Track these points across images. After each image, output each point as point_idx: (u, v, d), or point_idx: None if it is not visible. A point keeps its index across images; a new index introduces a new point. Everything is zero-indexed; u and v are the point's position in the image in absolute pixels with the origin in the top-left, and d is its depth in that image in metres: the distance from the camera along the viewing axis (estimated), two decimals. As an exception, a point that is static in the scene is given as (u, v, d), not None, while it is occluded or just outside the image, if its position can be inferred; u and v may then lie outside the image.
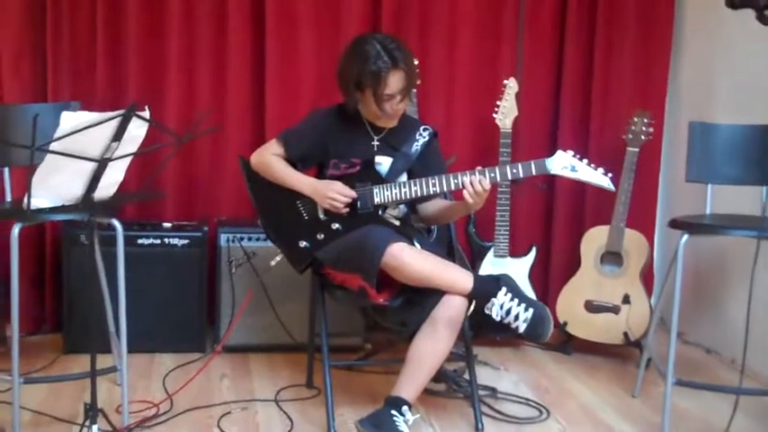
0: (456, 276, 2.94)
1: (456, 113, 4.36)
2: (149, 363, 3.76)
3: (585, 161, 3.05)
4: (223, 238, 3.89)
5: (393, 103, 3.09)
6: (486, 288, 2.93)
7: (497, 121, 4.00)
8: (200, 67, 4.18)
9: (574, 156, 3.05)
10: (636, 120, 4.03)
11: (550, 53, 4.45)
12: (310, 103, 3.97)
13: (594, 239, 4.10)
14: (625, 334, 3.96)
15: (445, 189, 3.08)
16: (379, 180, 3.14)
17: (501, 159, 3.97)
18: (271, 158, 3.21)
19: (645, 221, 4.35)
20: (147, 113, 2.29)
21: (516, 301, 2.89)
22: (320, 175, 3.25)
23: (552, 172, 3.03)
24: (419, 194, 3.10)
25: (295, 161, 3.22)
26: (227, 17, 4.14)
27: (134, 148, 2.37)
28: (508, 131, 3.99)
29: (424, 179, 3.09)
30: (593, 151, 4.30)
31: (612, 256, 4.06)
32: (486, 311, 2.93)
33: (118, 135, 2.27)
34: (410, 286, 2.94)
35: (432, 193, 3.09)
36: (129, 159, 2.42)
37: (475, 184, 2.97)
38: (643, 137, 4.01)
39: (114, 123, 2.23)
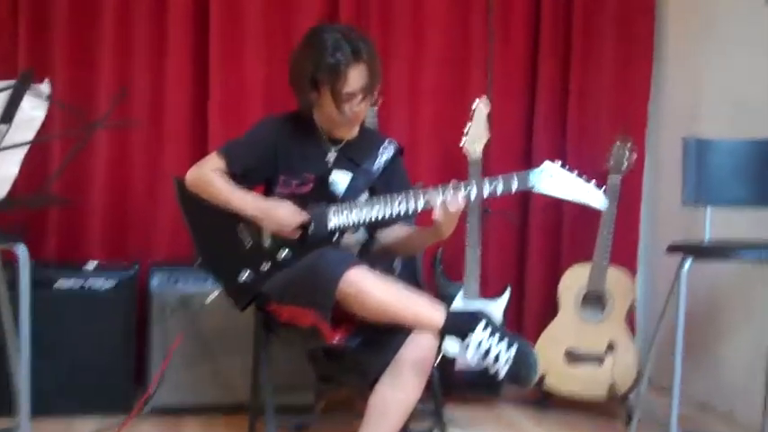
0: (425, 309, 2.47)
1: (420, 138, 3.96)
2: (66, 428, 3.23)
3: (576, 173, 2.63)
4: (155, 280, 3.41)
5: (353, 104, 2.67)
6: (460, 323, 2.46)
7: (466, 146, 3.59)
8: (135, 73, 3.75)
9: (562, 167, 2.62)
10: (618, 144, 3.67)
11: (522, 72, 4.13)
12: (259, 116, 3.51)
13: (574, 279, 3.70)
14: (611, 387, 3.51)
15: (412, 209, 2.61)
16: (336, 199, 2.69)
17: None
18: (209, 174, 2.75)
19: (628, 258, 3.96)
20: (46, 87, 1.81)
21: (496, 337, 2.42)
22: (268, 193, 2.80)
23: (536, 189, 2.58)
24: (383, 215, 2.64)
25: (239, 177, 2.76)
26: (166, 14, 3.75)
27: (30, 134, 1.88)
28: (478, 158, 3.58)
29: (388, 196, 2.64)
30: None
31: (594, 298, 3.65)
32: (461, 352, 2.46)
33: (8, 115, 1.78)
34: (370, 324, 2.46)
35: (398, 213, 2.63)
36: (24, 150, 1.91)
37: (448, 200, 2.53)
38: (626, 163, 3.64)
39: (2, 99, 1.75)
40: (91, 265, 3.45)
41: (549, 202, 3.97)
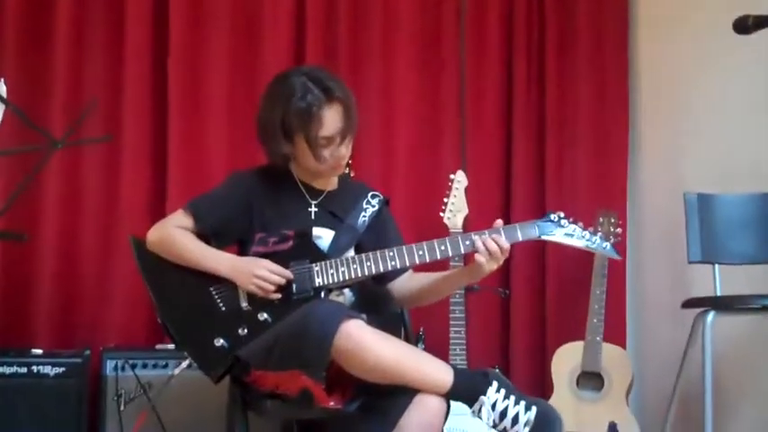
0: (432, 369, 2.19)
1: (394, 212, 3.72)
2: None
3: (581, 224, 2.44)
4: (109, 365, 3.10)
5: (332, 149, 2.42)
6: (471, 384, 2.18)
7: (446, 221, 3.42)
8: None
9: (565, 218, 2.43)
10: (602, 220, 3.50)
11: (497, 145, 3.96)
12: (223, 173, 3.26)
13: (567, 359, 3.48)
14: (616, 470, 3.23)
15: (407, 263, 2.38)
16: (320, 256, 2.41)
17: (452, 264, 3.33)
18: (175, 232, 2.45)
19: (618, 333, 3.71)
20: (1, 87, 1.53)
21: (513, 398, 2.15)
22: (242, 253, 2.50)
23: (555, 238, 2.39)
24: (374, 272, 2.38)
25: (208, 236, 2.48)
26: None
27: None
28: (459, 232, 3.37)
29: (379, 252, 2.38)
30: (554, 254, 3.76)
31: (590, 378, 3.42)
32: (474, 415, 2.17)
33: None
34: (369, 385, 2.16)
35: (390, 268, 2.38)
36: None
37: (489, 244, 2.30)
38: (612, 238, 3.46)
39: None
40: (37, 351, 3.12)
41: (532, 276, 3.83)
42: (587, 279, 3.53)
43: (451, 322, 3.37)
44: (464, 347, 3.37)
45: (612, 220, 3.51)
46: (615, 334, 3.65)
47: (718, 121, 3.54)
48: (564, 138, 3.92)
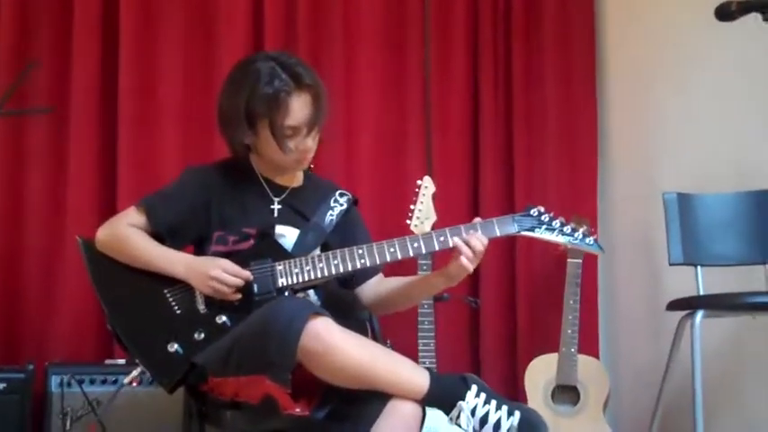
0: (406, 372, 2.02)
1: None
2: None
3: (562, 219, 2.32)
4: (54, 381, 2.91)
5: (298, 140, 2.27)
6: (448, 388, 2.02)
7: (413, 228, 3.26)
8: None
9: (546, 212, 2.32)
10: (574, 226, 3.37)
11: (464, 151, 3.83)
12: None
13: (540, 371, 3.36)
14: (594, 488, 3.09)
15: (378, 261, 2.22)
16: (284, 256, 2.24)
17: (419, 272, 3.20)
18: (126, 230, 2.28)
19: (590, 344, 3.58)
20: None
21: (494, 403, 2.01)
22: (199, 254, 2.33)
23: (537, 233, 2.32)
24: (341, 271, 2.22)
25: (163, 235, 2.30)
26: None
27: None
28: (428, 239, 3.22)
29: (347, 250, 2.22)
30: (525, 261, 3.68)
31: (566, 391, 3.29)
32: (452, 422, 2.01)
33: None
34: (337, 391, 1.99)
35: (360, 266, 2.22)
36: None
37: (472, 240, 2.18)
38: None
39: None
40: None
41: (502, 284, 3.70)
42: (560, 288, 3.41)
43: (420, 334, 3.24)
44: (433, 360, 3.22)
45: (584, 227, 3.39)
46: (588, 345, 3.52)
47: (691, 120, 3.46)
48: (532, 142, 3.82)
